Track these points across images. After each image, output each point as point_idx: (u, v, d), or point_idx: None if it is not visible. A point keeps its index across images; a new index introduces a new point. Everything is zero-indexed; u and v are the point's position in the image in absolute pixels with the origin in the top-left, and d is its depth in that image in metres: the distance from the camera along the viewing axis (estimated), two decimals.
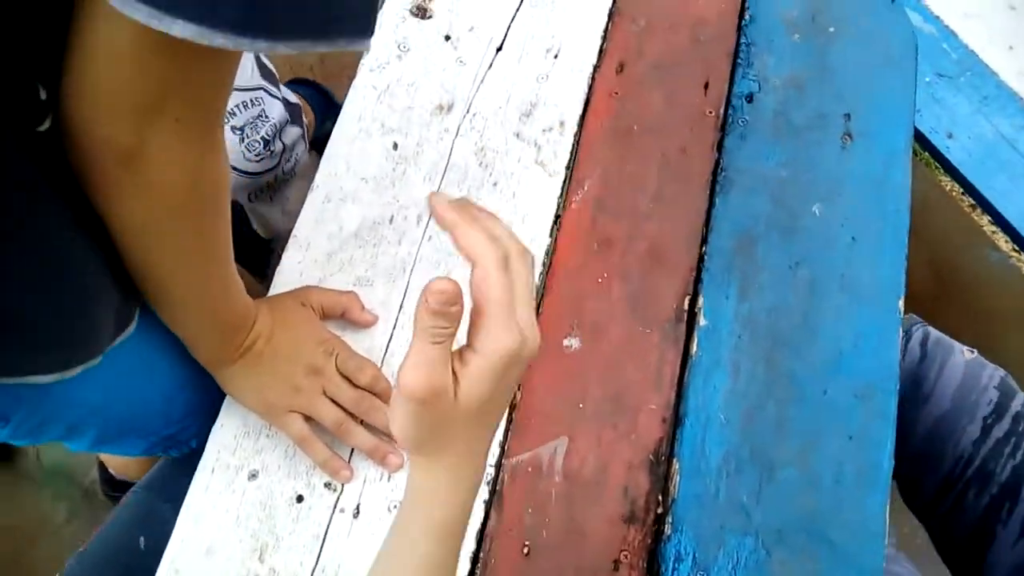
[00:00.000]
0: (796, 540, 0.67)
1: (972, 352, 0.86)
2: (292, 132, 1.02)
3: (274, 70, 1.01)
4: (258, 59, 0.97)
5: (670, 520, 0.67)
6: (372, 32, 0.42)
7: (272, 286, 0.72)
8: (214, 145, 0.49)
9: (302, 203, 0.76)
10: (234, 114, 0.94)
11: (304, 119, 1.08)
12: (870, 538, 0.68)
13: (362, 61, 0.83)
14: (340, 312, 0.70)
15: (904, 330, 0.87)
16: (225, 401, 0.68)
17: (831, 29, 0.88)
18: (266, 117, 0.96)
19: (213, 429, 0.67)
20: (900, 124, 0.84)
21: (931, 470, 0.84)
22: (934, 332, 0.89)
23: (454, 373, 0.40)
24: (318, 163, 0.78)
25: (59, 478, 1.32)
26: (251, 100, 0.95)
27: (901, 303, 0.77)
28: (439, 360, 0.39)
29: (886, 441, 0.71)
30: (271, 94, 0.97)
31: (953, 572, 0.86)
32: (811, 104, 0.85)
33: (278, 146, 0.99)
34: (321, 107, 1.31)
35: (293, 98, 1.05)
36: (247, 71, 0.95)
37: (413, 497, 0.46)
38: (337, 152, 0.78)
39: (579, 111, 0.83)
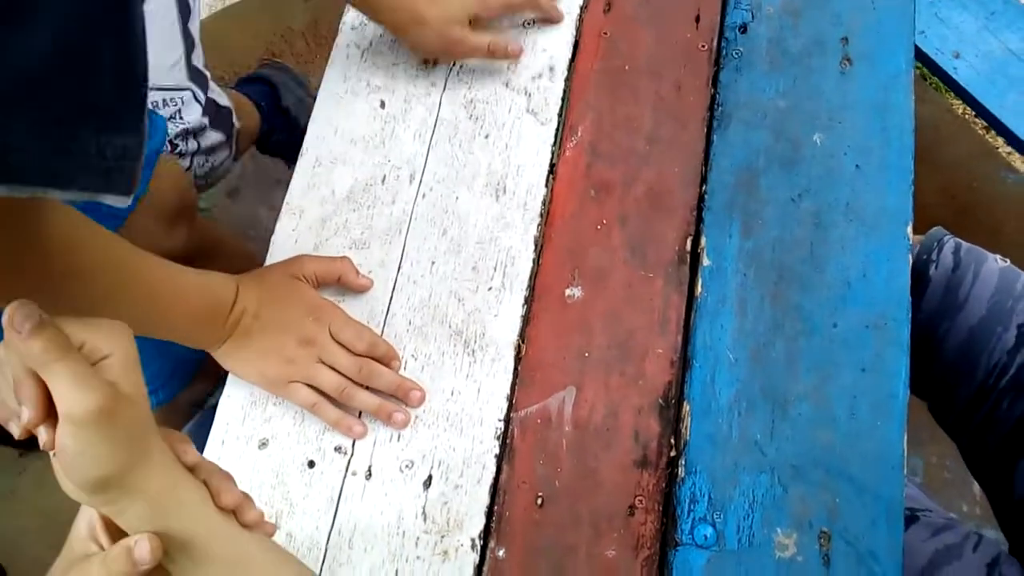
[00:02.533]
0: (813, 475, 0.67)
1: (1006, 260, 0.83)
2: (211, 136, 1.01)
3: (206, 72, 0.99)
4: (189, 59, 0.96)
5: (683, 463, 0.66)
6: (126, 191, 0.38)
7: (268, 255, 0.72)
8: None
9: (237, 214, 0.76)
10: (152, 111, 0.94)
11: (234, 124, 1.06)
12: (889, 469, 0.67)
13: (343, 20, 0.82)
14: (335, 279, 0.69)
15: (936, 240, 0.85)
16: (230, 374, 0.68)
17: None
18: (179, 118, 0.95)
19: (220, 401, 0.67)
20: (900, 45, 0.81)
21: (964, 382, 0.82)
22: (964, 243, 0.87)
23: None
24: (263, 167, 0.77)
25: None
26: (169, 99, 0.94)
27: (909, 229, 0.75)
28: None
29: (900, 370, 0.70)
30: (195, 97, 0.96)
31: (983, 486, 0.85)
32: (807, 31, 0.82)
33: (189, 146, 0.98)
34: (269, 109, 1.30)
35: (224, 101, 1.04)
36: (176, 71, 0.94)
37: None
38: (324, 114, 0.77)
39: (568, 55, 0.81)
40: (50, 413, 0.38)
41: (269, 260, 0.71)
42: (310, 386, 0.65)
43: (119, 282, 0.56)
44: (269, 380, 0.65)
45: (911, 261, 0.83)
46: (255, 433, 0.66)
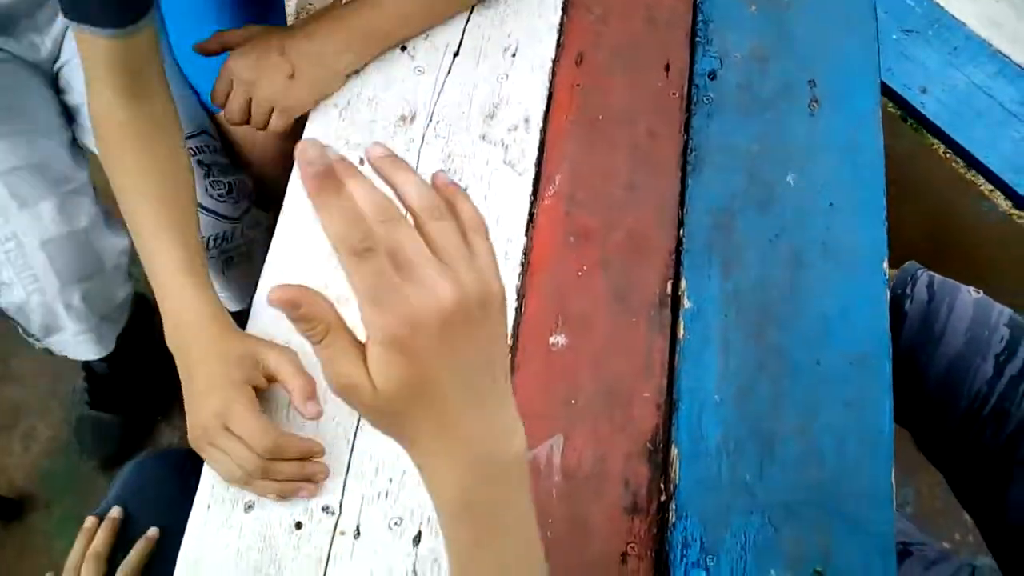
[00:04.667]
0: (804, 514, 0.66)
1: (979, 292, 0.85)
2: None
3: None
4: None
5: (674, 507, 0.66)
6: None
7: (251, 313, 0.72)
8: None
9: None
10: (202, 150, 0.94)
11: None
12: (878, 504, 0.67)
13: None
14: (285, 384, 0.66)
15: (910, 275, 0.86)
16: None
17: None
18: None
19: (204, 464, 0.66)
20: (866, 85, 0.84)
21: (947, 413, 0.82)
22: (937, 275, 0.88)
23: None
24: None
25: (71, 528, 1.32)
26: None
27: (885, 264, 0.76)
28: (336, 357, 0.37)
29: (884, 405, 0.70)
30: None
31: (971, 514, 0.85)
32: (775, 75, 0.84)
33: (244, 192, 0.99)
34: None
35: None
36: None
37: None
38: None
39: (543, 107, 0.83)
40: None
41: (251, 320, 0.71)
42: None
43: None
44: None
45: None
46: (240, 495, 0.65)
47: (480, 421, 0.40)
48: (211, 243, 0.99)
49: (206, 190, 0.94)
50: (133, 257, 0.89)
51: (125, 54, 0.68)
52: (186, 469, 0.73)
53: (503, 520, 0.43)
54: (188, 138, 0.93)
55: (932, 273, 0.87)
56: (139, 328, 1.18)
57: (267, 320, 0.72)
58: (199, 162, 0.93)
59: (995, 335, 0.79)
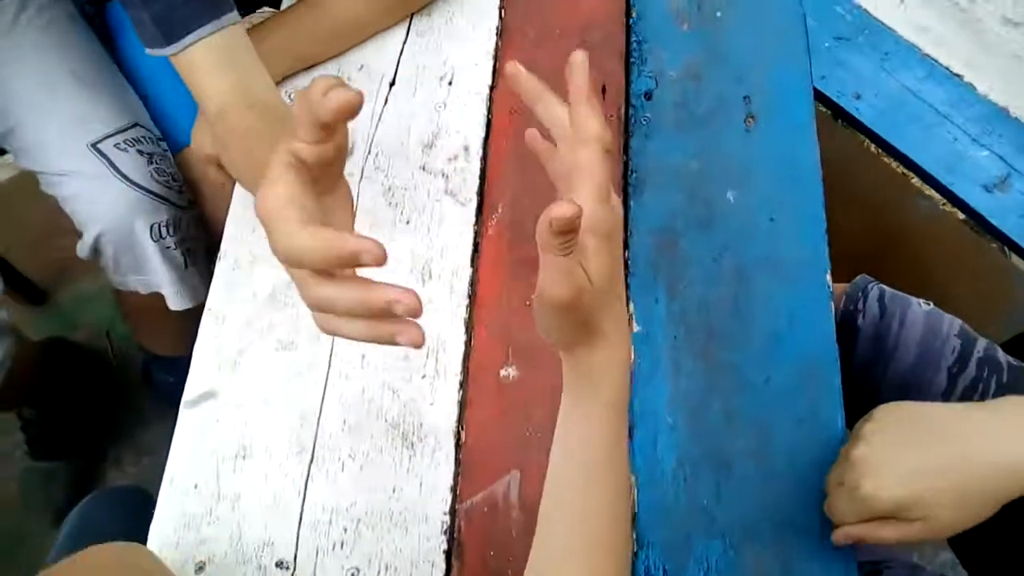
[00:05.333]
0: (764, 534, 0.66)
1: (928, 304, 0.86)
2: None
3: None
4: None
5: (634, 536, 0.66)
6: None
7: (192, 362, 0.70)
8: None
9: None
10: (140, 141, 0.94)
11: None
12: None
13: None
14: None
15: (860, 289, 0.87)
16: (160, 493, 0.65)
17: (718, 14, 0.88)
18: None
19: (151, 525, 0.64)
20: (800, 98, 0.84)
21: None
22: (888, 289, 0.89)
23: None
24: None
25: None
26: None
27: (828, 277, 0.77)
28: (573, 265, 0.42)
29: (836, 417, 0.71)
30: None
31: None
32: (710, 92, 0.84)
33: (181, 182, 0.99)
34: None
35: None
36: None
37: (577, 392, 0.49)
38: (240, 214, 0.76)
39: (482, 134, 0.82)
40: None
41: (192, 368, 0.69)
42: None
43: None
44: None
45: (839, 311, 0.85)
46: (190, 556, 0.63)
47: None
48: (168, 231, 0.97)
49: (151, 176, 0.93)
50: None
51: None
52: (136, 506, 0.71)
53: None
54: (123, 131, 0.93)
55: (883, 287, 0.88)
56: (59, 370, 1.15)
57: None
58: (139, 151, 0.93)
59: (947, 347, 0.80)
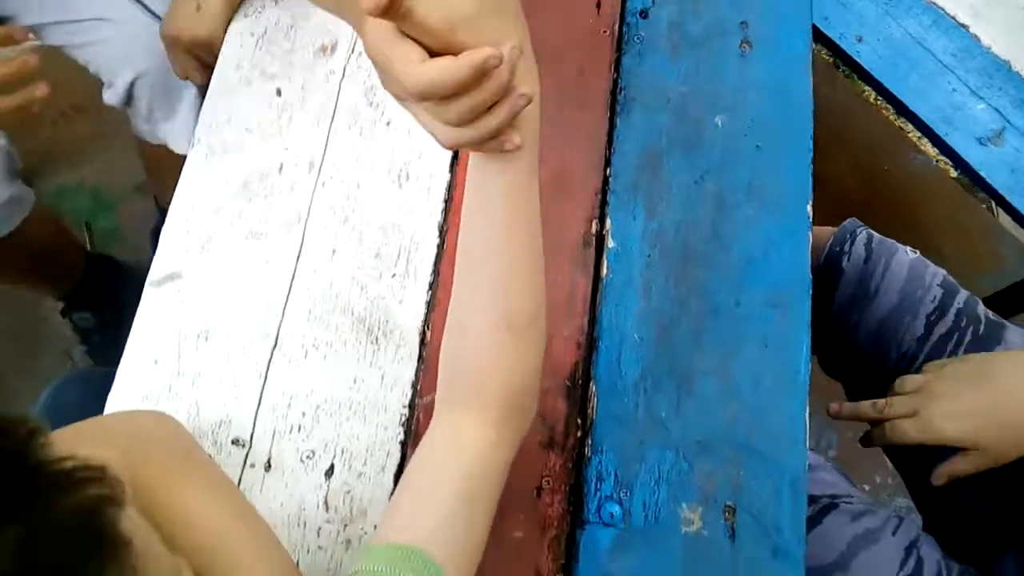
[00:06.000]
0: (718, 450, 0.67)
1: (915, 252, 0.86)
2: None
3: None
4: None
5: (590, 442, 0.66)
6: None
7: (158, 249, 0.70)
8: None
9: None
10: None
11: None
12: (792, 442, 0.68)
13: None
14: None
15: (849, 232, 0.87)
16: (119, 367, 0.66)
17: None
18: None
19: (108, 398, 0.65)
20: (798, 28, 0.83)
21: (877, 370, 0.84)
22: (876, 234, 0.89)
23: None
24: None
25: None
26: None
27: (809, 208, 0.76)
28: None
29: (801, 346, 0.71)
30: None
31: (898, 467, 0.87)
32: (707, 14, 0.83)
33: None
34: None
35: None
36: None
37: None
38: (216, 103, 0.75)
39: None
40: None
41: (159, 249, 0.69)
42: None
43: None
44: None
45: (825, 251, 0.85)
46: None
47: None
48: None
49: None
50: None
51: None
52: (108, 388, 0.72)
53: None
54: None
55: (872, 232, 0.88)
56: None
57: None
58: None
59: (928, 295, 0.80)
